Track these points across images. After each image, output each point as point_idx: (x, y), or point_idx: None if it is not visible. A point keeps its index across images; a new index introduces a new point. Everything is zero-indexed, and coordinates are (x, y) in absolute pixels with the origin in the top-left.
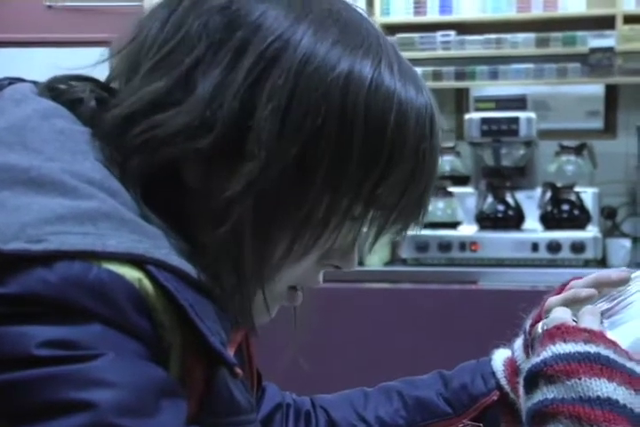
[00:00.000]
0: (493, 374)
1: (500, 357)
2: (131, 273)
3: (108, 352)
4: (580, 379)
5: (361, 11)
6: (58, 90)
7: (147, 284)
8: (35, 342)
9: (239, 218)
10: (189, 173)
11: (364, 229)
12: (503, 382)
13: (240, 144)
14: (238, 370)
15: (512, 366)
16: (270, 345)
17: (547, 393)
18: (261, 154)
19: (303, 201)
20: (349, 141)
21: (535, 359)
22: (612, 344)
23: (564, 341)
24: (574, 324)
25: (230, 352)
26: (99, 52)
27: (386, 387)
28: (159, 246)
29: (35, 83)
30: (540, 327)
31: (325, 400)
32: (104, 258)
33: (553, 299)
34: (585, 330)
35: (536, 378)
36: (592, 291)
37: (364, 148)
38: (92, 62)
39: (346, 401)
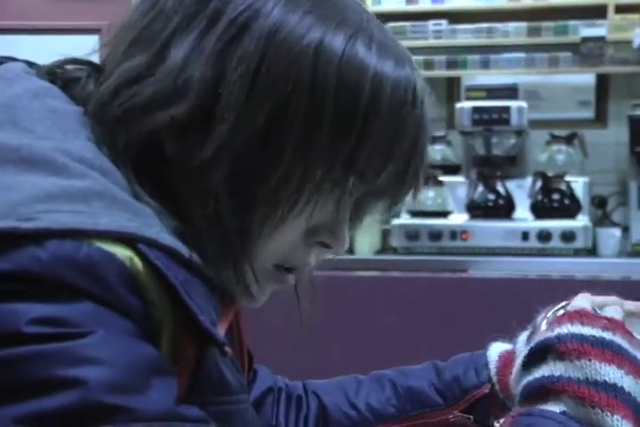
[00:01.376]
0: (487, 366)
1: (496, 349)
2: (122, 251)
3: (97, 330)
4: (589, 360)
5: None
6: (55, 74)
7: (137, 262)
8: (25, 319)
9: (215, 185)
10: (169, 144)
11: (350, 203)
12: (492, 373)
13: (212, 111)
14: (228, 349)
15: (507, 359)
16: (261, 333)
17: (554, 369)
18: (229, 117)
19: (275, 169)
20: (319, 112)
21: (549, 334)
22: (629, 335)
23: (582, 323)
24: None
25: (221, 332)
26: (90, 40)
27: (378, 375)
28: (151, 225)
29: (27, 62)
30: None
31: (317, 386)
32: (95, 236)
33: (585, 295)
34: (605, 318)
35: (545, 352)
36: (638, 304)
37: (335, 119)
38: (82, 49)
39: (338, 387)
